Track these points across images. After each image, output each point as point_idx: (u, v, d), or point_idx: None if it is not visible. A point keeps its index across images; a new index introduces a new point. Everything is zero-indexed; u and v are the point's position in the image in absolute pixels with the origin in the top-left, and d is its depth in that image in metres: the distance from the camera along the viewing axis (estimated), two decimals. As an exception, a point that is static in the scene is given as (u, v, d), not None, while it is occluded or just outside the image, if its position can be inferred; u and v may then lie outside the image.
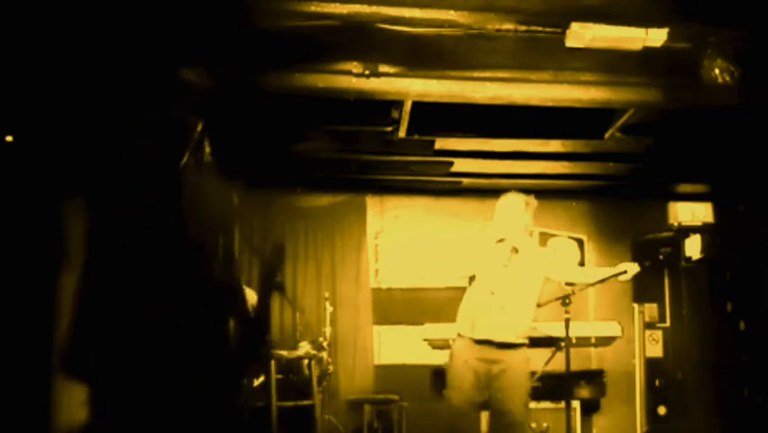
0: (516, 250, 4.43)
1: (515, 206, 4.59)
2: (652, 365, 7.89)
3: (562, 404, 5.21)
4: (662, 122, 5.55)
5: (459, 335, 4.52)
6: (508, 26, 4.06)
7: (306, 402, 5.73)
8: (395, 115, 5.45)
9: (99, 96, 4.92)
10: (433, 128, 5.76)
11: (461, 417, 4.41)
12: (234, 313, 2.43)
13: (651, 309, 8.11)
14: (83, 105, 5.03)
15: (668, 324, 8.32)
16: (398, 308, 7.25)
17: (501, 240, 4.47)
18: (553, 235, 7.79)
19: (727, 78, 4.15)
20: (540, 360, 6.31)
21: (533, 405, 6.14)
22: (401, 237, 7.46)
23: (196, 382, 2.23)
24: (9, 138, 5.37)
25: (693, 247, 7.72)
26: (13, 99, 4.89)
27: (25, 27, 4.04)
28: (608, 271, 4.57)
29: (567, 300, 4.37)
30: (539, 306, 4.54)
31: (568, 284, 4.74)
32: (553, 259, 4.53)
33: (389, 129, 5.64)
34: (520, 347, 4.48)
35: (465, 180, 7.02)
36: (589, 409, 6.79)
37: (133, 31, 4.15)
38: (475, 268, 4.49)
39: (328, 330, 6.26)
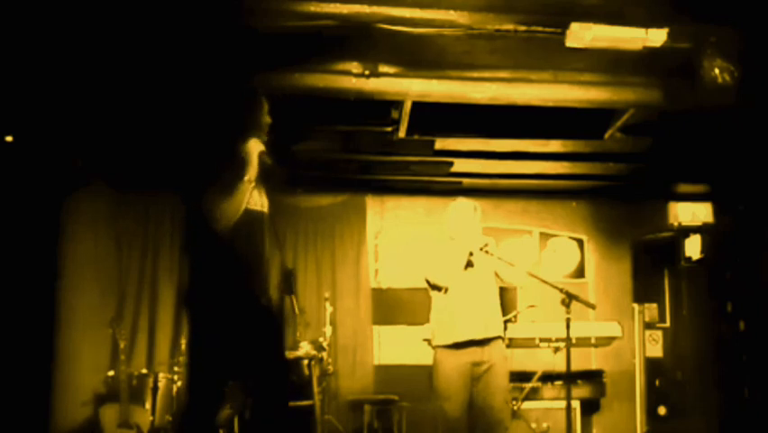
0: (471, 253, 4.51)
1: (466, 211, 4.71)
2: (652, 365, 7.89)
3: (563, 404, 5.19)
4: (661, 122, 5.55)
5: (437, 346, 4.57)
6: (508, 26, 4.06)
7: (306, 402, 5.72)
8: (395, 115, 5.45)
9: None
10: (433, 128, 5.76)
11: (456, 422, 4.44)
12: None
13: (651, 309, 8.11)
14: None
15: (668, 324, 8.33)
16: (398, 308, 7.24)
17: (457, 245, 4.56)
18: (554, 236, 7.79)
19: (727, 78, 4.15)
20: (540, 360, 6.33)
21: (533, 405, 6.18)
22: (401, 237, 7.44)
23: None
24: (9, 138, 5.37)
25: (693, 247, 7.72)
26: (14, 100, 4.89)
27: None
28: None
29: (566, 301, 4.37)
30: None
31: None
32: (499, 261, 4.59)
33: (389, 129, 5.64)
34: (500, 339, 4.59)
35: (465, 180, 7.02)
36: (589, 409, 6.78)
37: (137, 32, 4.16)
38: (443, 277, 4.54)
39: (328, 330, 6.24)
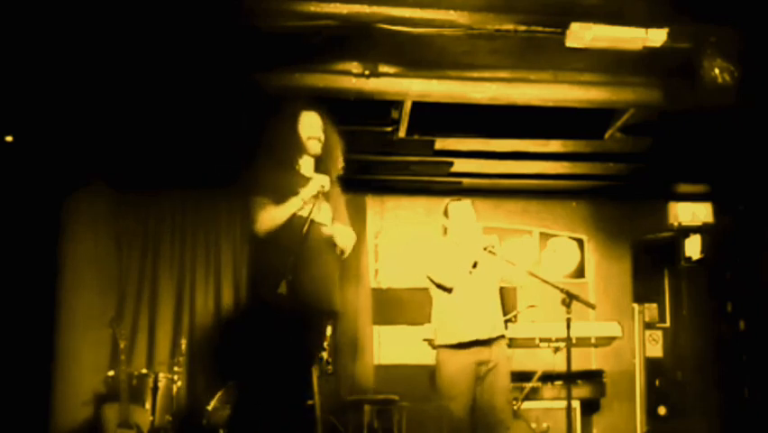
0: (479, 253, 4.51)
1: (468, 211, 4.71)
2: (652, 365, 7.89)
3: (563, 404, 5.20)
4: (661, 122, 5.55)
5: (441, 346, 4.56)
6: (508, 26, 4.06)
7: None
8: (395, 115, 5.45)
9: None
10: (433, 128, 5.76)
11: (460, 422, 4.43)
12: None
13: (651, 309, 8.11)
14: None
15: (668, 324, 8.33)
16: (398, 308, 7.24)
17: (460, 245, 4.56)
18: (554, 236, 7.79)
19: (727, 78, 4.15)
20: (540, 360, 6.33)
21: (533, 405, 6.17)
22: (401, 237, 7.44)
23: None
24: (9, 138, 5.38)
25: (693, 247, 7.72)
26: (14, 100, 4.89)
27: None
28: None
29: (567, 301, 4.36)
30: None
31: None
32: (501, 262, 4.58)
33: (389, 129, 5.64)
34: (503, 339, 4.60)
35: (465, 180, 7.03)
36: (589, 409, 6.79)
37: (137, 32, 4.16)
38: (449, 278, 4.53)
39: (328, 330, 6.24)
